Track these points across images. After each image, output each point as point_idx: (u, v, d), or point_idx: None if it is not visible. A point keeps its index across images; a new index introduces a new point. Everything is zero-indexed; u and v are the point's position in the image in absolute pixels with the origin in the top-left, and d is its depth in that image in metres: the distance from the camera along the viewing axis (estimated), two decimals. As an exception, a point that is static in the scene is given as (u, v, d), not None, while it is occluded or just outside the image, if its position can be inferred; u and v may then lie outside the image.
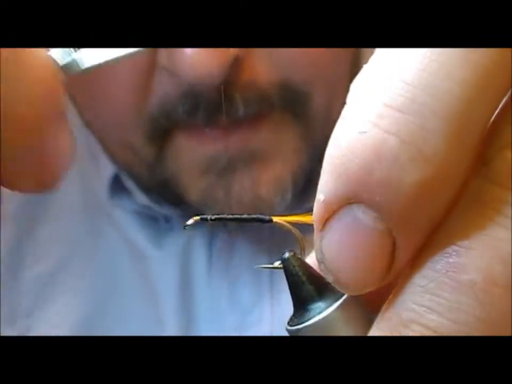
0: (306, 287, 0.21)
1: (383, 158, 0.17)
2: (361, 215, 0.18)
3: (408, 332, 0.17)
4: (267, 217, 0.21)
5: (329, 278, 0.18)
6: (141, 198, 0.57)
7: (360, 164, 0.17)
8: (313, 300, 0.21)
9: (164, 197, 0.55)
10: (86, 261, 0.57)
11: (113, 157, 0.56)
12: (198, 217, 0.22)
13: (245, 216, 0.22)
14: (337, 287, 0.19)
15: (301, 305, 0.21)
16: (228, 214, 0.22)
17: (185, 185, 0.52)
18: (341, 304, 0.20)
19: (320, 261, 0.18)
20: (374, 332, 0.18)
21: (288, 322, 0.21)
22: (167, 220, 0.58)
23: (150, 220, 0.59)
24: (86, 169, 0.60)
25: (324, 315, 0.20)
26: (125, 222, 0.58)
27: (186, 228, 0.22)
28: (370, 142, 0.17)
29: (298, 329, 0.20)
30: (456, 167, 0.17)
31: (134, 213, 0.58)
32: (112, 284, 0.57)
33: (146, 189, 0.56)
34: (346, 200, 0.18)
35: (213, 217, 0.22)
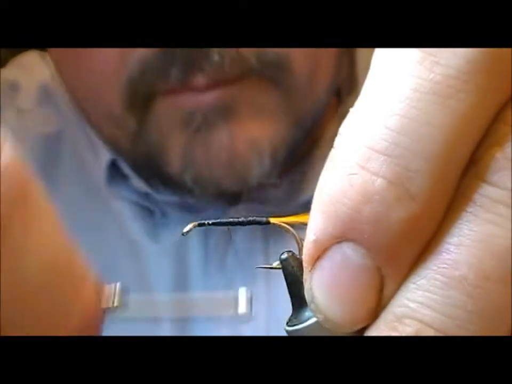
0: (304, 288, 0.21)
1: (371, 198, 0.18)
2: (351, 253, 0.18)
3: (404, 328, 0.18)
4: (264, 219, 0.22)
5: (319, 318, 0.19)
6: (138, 184, 0.57)
7: (349, 203, 0.18)
8: None
9: (149, 170, 0.55)
10: (85, 253, 0.57)
11: (99, 133, 0.57)
12: (195, 223, 0.22)
13: (242, 219, 0.22)
14: (328, 326, 0.19)
15: (300, 305, 0.21)
16: (224, 219, 0.22)
17: (165, 150, 0.52)
18: None
19: (310, 301, 0.19)
20: (371, 331, 0.19)
21: (287, 323, 0.21)
22: (163, 213, 0.59)
23: (147, 213, 0.59)
24: (85, 161, 0.60)
25: None
26: (123, 214, 0.59)
27: (184, 234, 0.23)
28: (359, 183, 0.18)
29: (297, 330, 0.20)
30: (440, 202, 0.18)
31: (131, 204, 0.59)
32: (110, 279, 0.57)
33: (134, 166, 0.56)
34: (336, 239, 0.18)
35: (210, 222, 0.22)
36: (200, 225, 0.22)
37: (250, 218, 0.22)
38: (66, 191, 0.58)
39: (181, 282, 0.57)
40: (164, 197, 0.57)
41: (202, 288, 0.56)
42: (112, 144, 0.57)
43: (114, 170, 0.59)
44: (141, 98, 0.51)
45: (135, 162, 0.56)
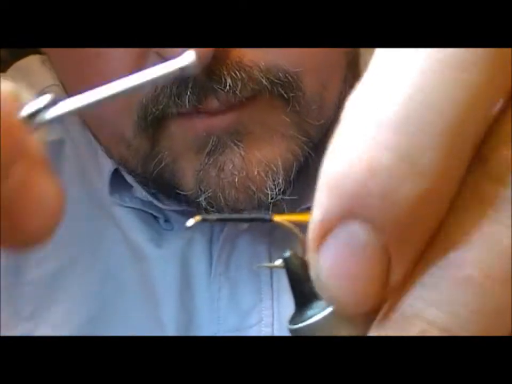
0: (307, 286, 0.21)
1: (378, 173, 0.17)
2: (358, 230, 0.18)
3: (410, 328, 0.18)
4: (268, 217, 0.22)
5: (325, 297, 0.19)
6: (141, 193, 0.57)
7: (356, 179, 0.18)
8: (315, 298, 0.21)
9: (161, 189, 0.55)
10: (88, 262, 0.57)
11: (108, 152, 0.57)
12: (199, 217, 0.22)
13: (245, 216, 0.22)
14: (333, 306, 0.19)
15: (303, 303, 0.21)
16: (229, 214, 0.22)
17: (179, 172, 0.52)
18: None
19: (316, 279, 0.19)
20: (376, 330, 0.19)
21: (290, 321, 0.21)
22: (167, 219, 0.59)
23: (150, 219, 0.59)
24: (87, 168, 0.60)
25: (325, 313, 0.20)
26: (126, 220, 0.59)
27: (188, 228, 0.22)
28: (366, 158, 0.17)
29: (300, 328, 0.20)
30: (451, 179, 0.18)
31: (134, 211, 0.58)
32: (113, 285, 0.57)
33: (143, 183, 0.56)
34: (342, 217, 0.18)
35: (214, 217, 0.22)
36: (204, 220, 0.22)
37: (254, 215, 0.22)
38: (68, 197, 0.58)
39: (185, 288, 0.57)
40: (170, 207, 0.57)
41: (207, 293, 0.56)
42: (123, 165, 0.56)
43: (117, 179, 0.58)
44: (154, 121, 0.50)
45: (145, 181, 0.56)
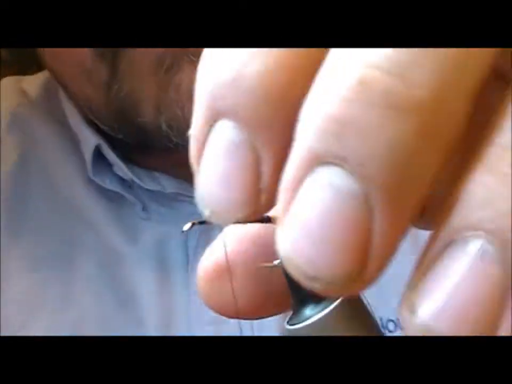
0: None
1: (230, 60, 0.16)
2: (227, 131, 0.16)
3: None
4: (265, 217, 0.22)
5: (206, 214, 0.17)
6: (121, 170, 0.57)
7: (219, 76, 0.16)
8: (313, 298, 0.21)
9: (124, 126, 0.56)
10: (62, 270, 0.58)
11: (73, 94, 0.58)
12: (196, 221, 0.22)
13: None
14: (214, 219, 0.17)
15: (300, 304, 0.21)
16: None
17: (139, 96, 0.53)
18: (341, 302, 0.20)
19: (199, 201, 0.17)
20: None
21: (288, 321, 0.21)
22: (144, 207, 0.59)
23: (126, 211, 0.59)
24: (55, 178, 0.61)
25: (323, 314, 0.20)
26: (100, 222, 0.59)
27: (184, 232, 0.22)
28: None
29: (297, 329, 0.20)
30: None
31: (111, 209, 0.59)
32: (91, 293, 0.57)
33: (108, 121, 0.57)
34: (212, 121, 0.16)
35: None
36: (200, 223, 0.22)
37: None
38: (38, 209, 0.59)
39: (163, 284, 0.57)
40: (146, 184, 0.57)
41: (184, 288, 0.57)
42: (86, 103, 0.57)
43: (99, 160, 0.59)
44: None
45: (109, 118, 0.56)
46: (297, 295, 0.21)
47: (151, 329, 0.56)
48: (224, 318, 0.61)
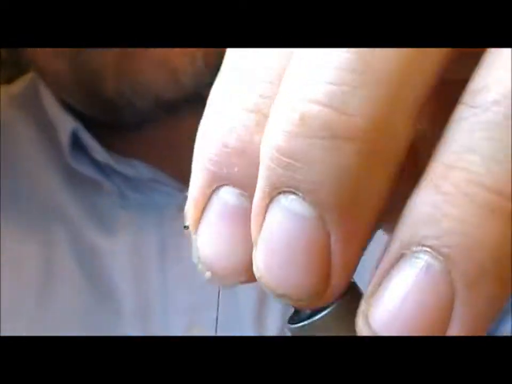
0: None
1: (232, 128, 0.17)
2: (227, 196, 0.17)
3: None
4: None
5: (207, 276, 0.18)
6: (99, 154, 0.58)
7: (215, 140, 0.17)
8: None
9: (91, 99, 0.56)
10: (39, 267, 0.58)
11: (44, 73, 0.58)
12: None
13: None
14: (216, 281, 0.18)
15: None
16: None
17: (101, 62, 0.53)
18: (343, 301, 0.20)
19: (197, 262, 0.18)
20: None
21: (289, 321, 0.21)
22: (120, 194, 0.59)
23: (103, 199, 0.59)
24: (27, 178, 0.61)
25: (325, 312, 0.20)
26: (75, 217, 0.59)
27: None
28: (221, 121, 0.17)
29: (299, 328, 0.20)
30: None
31: (86, 199, 0.59)
32: (66, 286, 0.57)
33: (75, 97, 0.57)
34: (210, 188, 0.17)
35: None
36: None
37: None
38: (15, 205, 0.59)
39: (140, 273, 0.57)
40: (122, 168, 0.58)
41: (160, 276, 0.57)
42: (55, 79, 0.58)
43: (76, 147, 0.59)
44: None
45: (76, 91, 0.57)
46: None
47: (129, 320, 0.56)
48: (200, 306, 0.61)
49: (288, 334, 0.21)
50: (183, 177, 0.58)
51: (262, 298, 0.56)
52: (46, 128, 0.62)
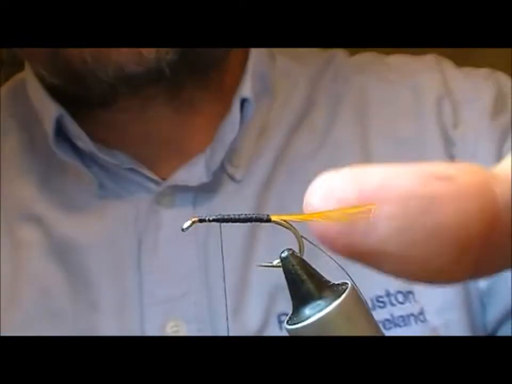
0: (305, 286, 0.21)
1: None
2: None
3: None
4: (265, 217, 0.21)
5: None
6: (82, 142, 0.58)
7: None
8: (312, 298, 0.21)
9: (58, 68, 0.56)
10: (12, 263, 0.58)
11: (32, 61, 0.57)
12: (196, 219, 0.22)
13: (243, 216, 0.22)
14: None
15: (300, 303, 0.21)
16: (226, 215, 0.22)
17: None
18: (341, 302, 0.20)
19: None
20: None
21: (287, 321, 0.21)
22: (101, 185, 0.59)
23: (82, 189, 0.59)
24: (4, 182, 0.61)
25: (323, 313, 0.20)
26: (50, 216, 0.59)
27: (184, 230, 0.22)
28: None
29: (297, 328, 0.20)
30: None
31: (63, 195, 0.59)
32: (43, 286, 0.57)
33: (46, 68, 0.56)
34: None
35: (210, 218, 0.22)
36: (200, 221, 0.22)
37: (251, 215, 0.22)
38: None
39: (116, 264, 0.57)
40: (104, 156, 0.58)
41: (137, 270, 0.57)
42: (44, 70, 0.57)
43: (60, 134, 0.60)
44: None
45: (46, 63, 0.56)
46: (297, 295, 0.21)
47: (106, 312, 0.56)
48: (177, 298, 0.60)
49: (288, 334, 0.21)
50: (157, 167, 0.58)
51: (240, 290, 0.56)
52: (30, 122, 0.62)
